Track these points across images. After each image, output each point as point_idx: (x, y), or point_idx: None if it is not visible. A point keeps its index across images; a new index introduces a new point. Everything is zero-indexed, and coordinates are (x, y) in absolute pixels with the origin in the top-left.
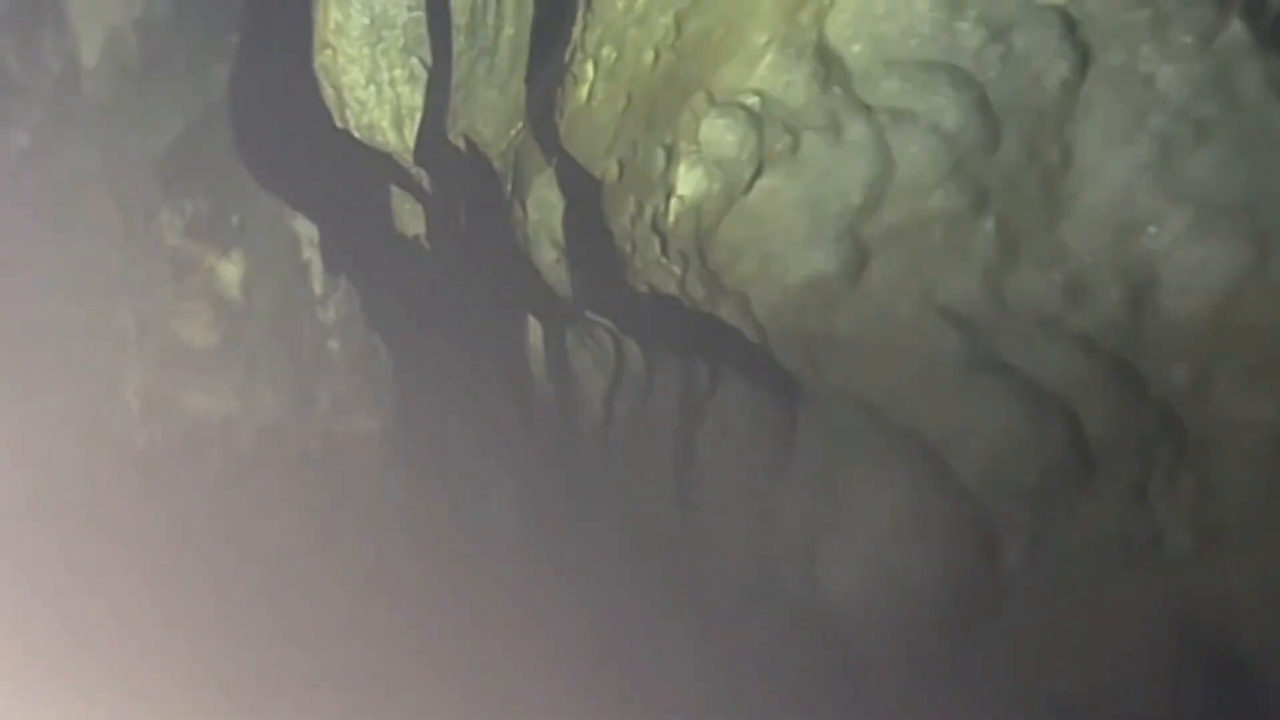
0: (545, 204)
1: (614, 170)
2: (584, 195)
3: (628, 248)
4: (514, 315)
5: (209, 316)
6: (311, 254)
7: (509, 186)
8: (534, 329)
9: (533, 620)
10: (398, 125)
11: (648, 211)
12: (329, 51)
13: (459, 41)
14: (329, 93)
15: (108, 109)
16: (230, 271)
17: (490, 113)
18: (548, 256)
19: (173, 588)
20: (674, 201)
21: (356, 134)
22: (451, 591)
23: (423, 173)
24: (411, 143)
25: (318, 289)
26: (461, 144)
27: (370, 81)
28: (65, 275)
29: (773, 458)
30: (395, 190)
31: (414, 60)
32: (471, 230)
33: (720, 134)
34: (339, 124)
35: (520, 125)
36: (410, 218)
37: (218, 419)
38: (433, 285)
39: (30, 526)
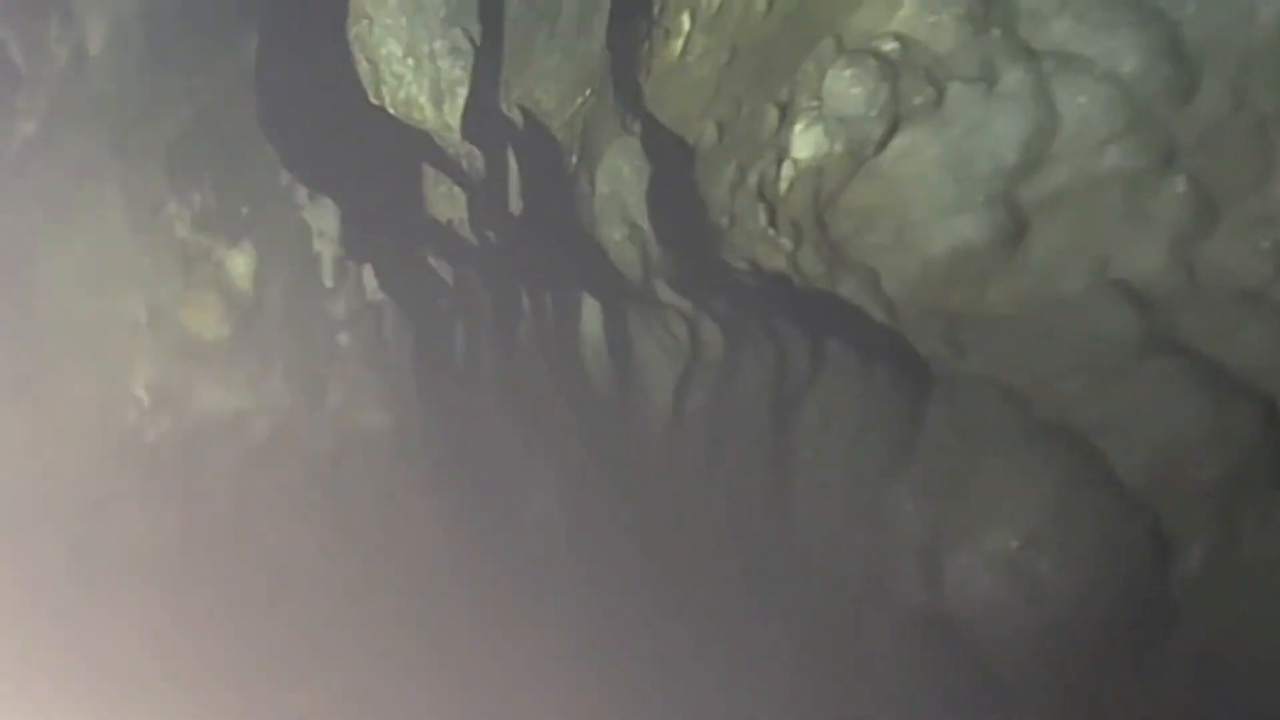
0: (618, 176)
1: (711, 133)
2: (670, 164)
3: (724, 220)
4: (566, 300)
5: (220, 309)
6: (322, 246)
7: (573, 159)
8: (590, 314)
9: (581, 625)
10: (437, 101)
11: (753, 178)
12: (365, 22)
13: (512, 7)
14: (363, 66)
15: (114, 99)
16: (240, 263)
17: (551, 81)
18: (616, 234)
19: (182, 586)
20: (787, 166)
21: (392, 110)
22: (476, 592)
23: (469, 150)
24: (453, 120)
25: (328, 281)
26: (517, 116)
27: (409, 54)
28: (73, 267)
29: (888, 452)
30: (429, 172)
31: (456, 31)
32: (525, 209)
33: (847, 87)
34: (373, 100)
35: (589, 92)
36: (443, 202)
37: (229, 414)
38: (468, 271)
39: (38, 522)
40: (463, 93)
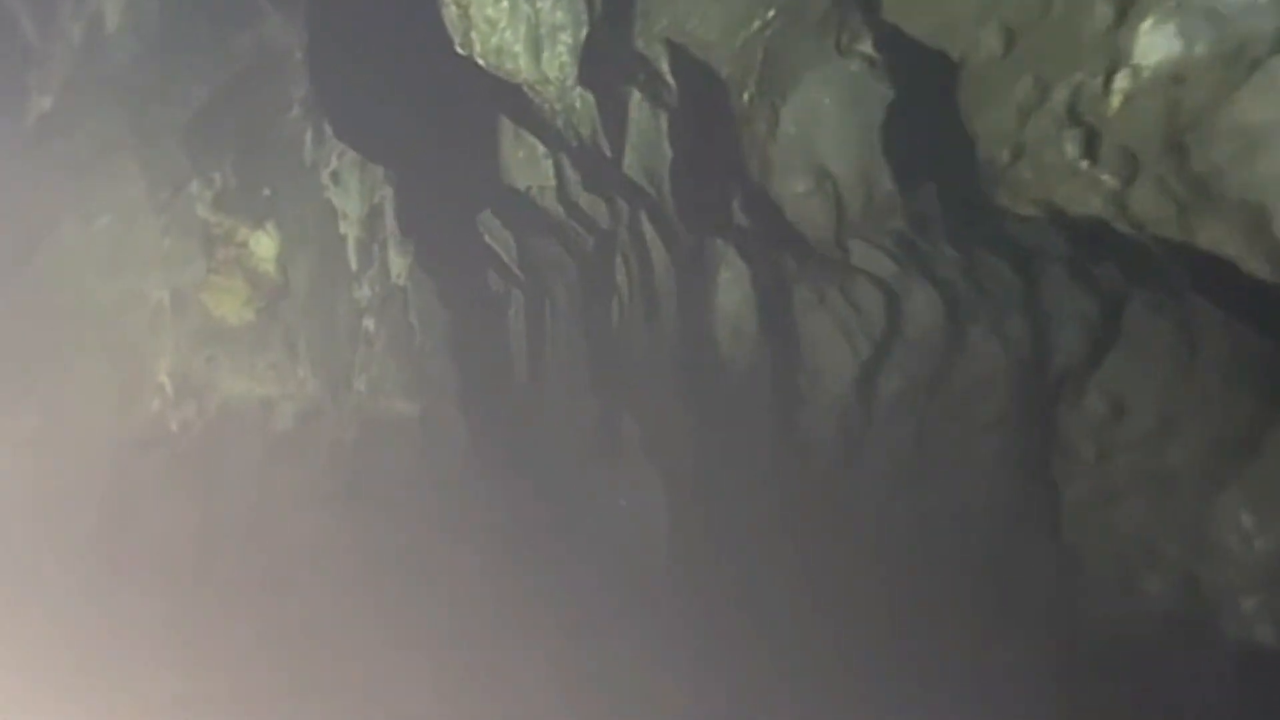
0: (814, 113)
1: (993, 41)
2: (909, 89)
3: (1003, 154)
4: (693, 271)
5: (245, 293)
6: (348, 229)
7: (744, 97)
8: (731, 286)
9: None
10: (535, 48)
11: (1060, 95)
12: None
13: None
14: (451, 11)
15: (131, 76)
16: (265, 245)
17: (713, 6)
18: (798, 185)
19: (204, 577)
20: (1124, 76)
21: (481, 61)
22: (535, 596)
23: (570, 103)
24: (551, 70)
25: (354, 264)
26: (659, 53)
27: None
28: (93, 247)
29: (1217, 450)
30: (509, 133)
31: None
32: (657, 163)
33: None
34: (460, 49)
35: (771, 14)
36: (522, 168)
37: (254, 401)
38: (544, 245)
39: (60, 512)
40: (565, 38)
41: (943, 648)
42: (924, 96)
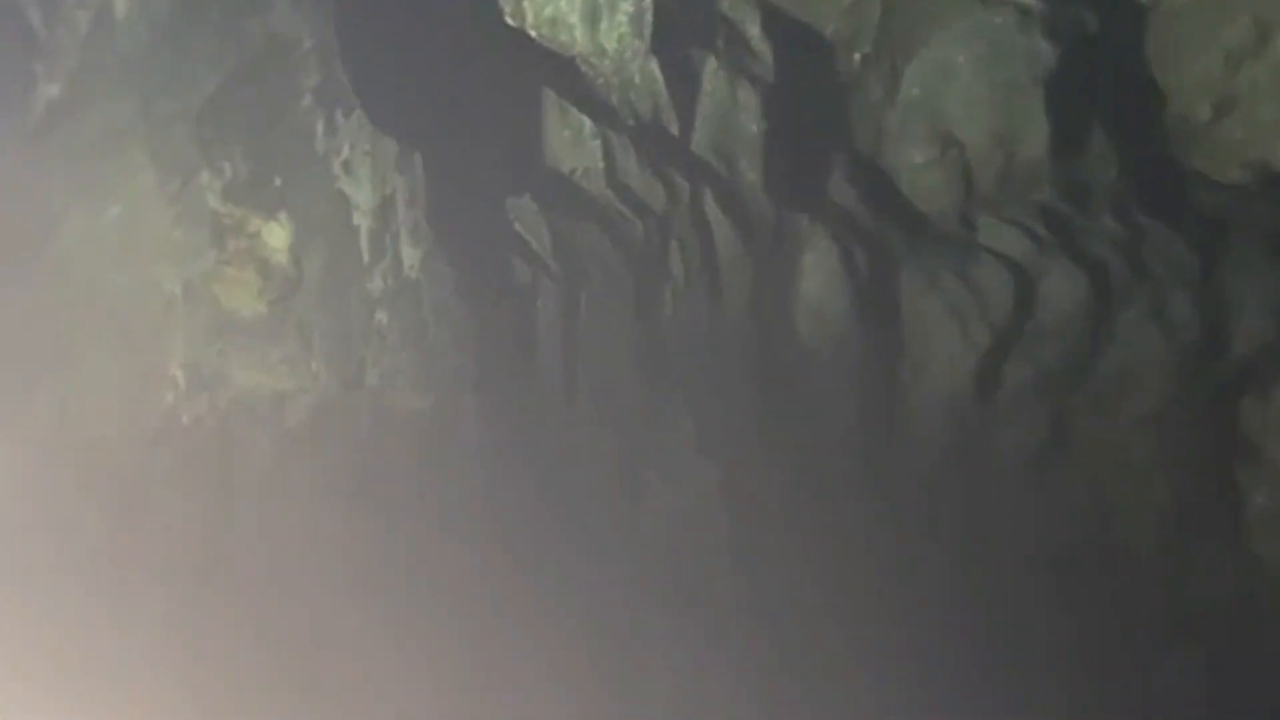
0: (943, 72)
1: None
2: (1071, 40)
3: (1204, 110)
4: (761, 256)
5: (257, 284)
6: (360, 219)
7: (855, 58)
8: (817, 268)
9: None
10: (592, 17)
11: None
12: None
13: None
14: None
15: (140, 63)
16: (278, 236)
17: None
18: (917, 155)
19: (216, 575)
20: None
21: (533, 33)
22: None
23: (629, 77)
24: (609, 41)
25: (366, 256)
26: (746, 14)
27: None
28: (103, 237)
29: None
30: (555, 111)
31: None
32: (727, 137)
33: None
34: (509, 20)
35: None
36: (567, 148)
37: (267, 395)
38: (584, 230)
39: (70, 507)
40: (626, 7)
41: (1104, 663)
42: (1089, 48)
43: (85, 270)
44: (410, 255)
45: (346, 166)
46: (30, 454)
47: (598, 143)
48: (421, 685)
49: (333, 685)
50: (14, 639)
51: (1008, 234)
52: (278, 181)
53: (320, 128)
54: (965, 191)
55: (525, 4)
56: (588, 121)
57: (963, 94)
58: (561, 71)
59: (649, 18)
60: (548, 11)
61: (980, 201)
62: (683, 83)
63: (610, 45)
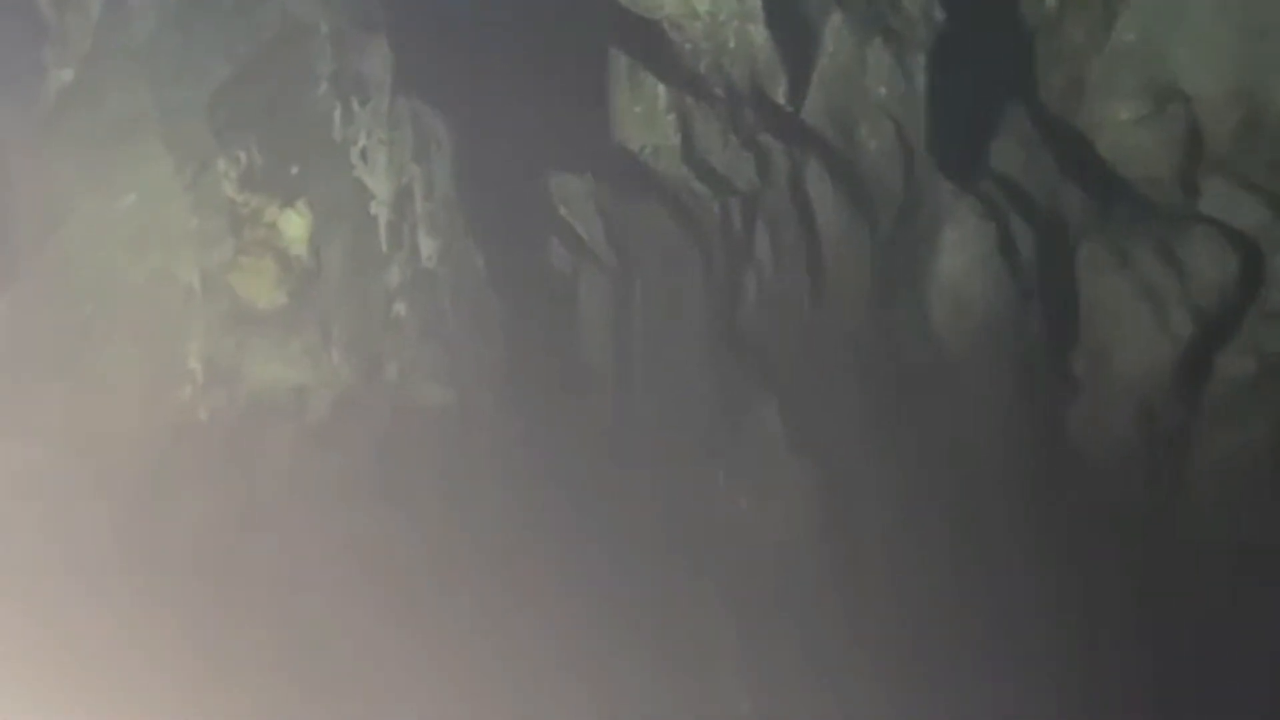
0: (1173, 14)
1: None
2: None
3: None
4: (881, 234)
5: (275, 275)
6: (378, 209)
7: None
8: (955, 247)
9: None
10: None
11: None
12: None
13: None
14: None
15: (153, 49)
16: (296, 225)
17: None
18: (1123, 111)
19: (235, 574)
20: None
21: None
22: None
23: (724, 40)
24: (701, 4)
25: (385, 246)
26: None
27: None
28: (117, 226)
29: None
30: (627, 84)
31: None
32: (848, 102)
33: None
34: None
35: None
36: (637, 124)
37: (286, 388)
38: (650, 212)
39: (86, 504)
40: None
41: None
42: None
43: (98, 261)
44: (428, 246)
45: (364, 155)
46: (43, 451)
47: (672, 117)
48: (444, 685)
49: (352, 684)
50: (29, 638)
51: (1242, 202)
52: (295, 170)
53: (338, 116)
54: (1187, 153)
55: None
56: (663, 94)
57: (1196, 38)
58: (643, 36)
59: None
60: None
61: (1211, 165)
62: (794, 45)
63: (703, 8)
